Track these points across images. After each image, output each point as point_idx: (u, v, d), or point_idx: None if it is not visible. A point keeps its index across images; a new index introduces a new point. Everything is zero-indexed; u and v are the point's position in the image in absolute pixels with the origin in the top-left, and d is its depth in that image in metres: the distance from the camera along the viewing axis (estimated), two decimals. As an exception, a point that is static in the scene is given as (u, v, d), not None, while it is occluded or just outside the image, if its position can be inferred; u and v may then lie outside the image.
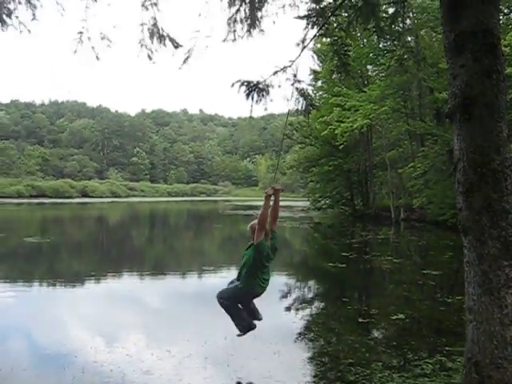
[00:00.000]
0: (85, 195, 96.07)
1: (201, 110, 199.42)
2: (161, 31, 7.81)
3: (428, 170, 34.11)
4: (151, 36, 7.80)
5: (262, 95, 7.73)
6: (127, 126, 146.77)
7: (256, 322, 7.06)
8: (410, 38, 31.98)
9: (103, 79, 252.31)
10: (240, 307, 6.96)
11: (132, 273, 16.14)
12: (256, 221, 6.76)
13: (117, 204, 76.07)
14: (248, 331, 6.96)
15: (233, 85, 7.57)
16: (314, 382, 6.53)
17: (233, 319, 6.88)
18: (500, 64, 4.64)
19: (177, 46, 7.91)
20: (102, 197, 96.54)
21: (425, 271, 15.40)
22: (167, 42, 7.88)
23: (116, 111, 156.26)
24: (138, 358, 7.31)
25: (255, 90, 7.71)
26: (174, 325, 9.51)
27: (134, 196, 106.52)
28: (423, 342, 8.25)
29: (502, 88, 4.55)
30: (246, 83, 7.64)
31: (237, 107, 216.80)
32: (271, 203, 7.02)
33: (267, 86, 7.75)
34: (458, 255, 16.40)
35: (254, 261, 6.67)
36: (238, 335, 6.95)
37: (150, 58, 7.91)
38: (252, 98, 7.69)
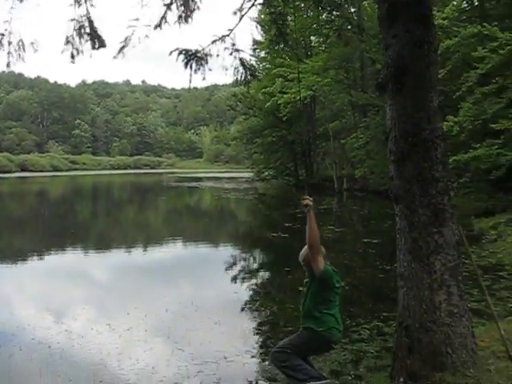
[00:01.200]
0: (24, 169, 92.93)
1: (143, 81, 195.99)
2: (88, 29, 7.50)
3: (370, 140, 34.63)
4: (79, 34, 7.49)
5: (201, 64, 7.64)
6: (67, 98, 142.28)
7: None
8: (352, 9, 32.14)
9: (41, 49, 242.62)
10: (298, 357, 5.03)
11: (75, 248, 15.85)
12: (306, 248, 5.16)
13: (58, 178, 74.33)
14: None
15: (171, 53, 7.45)
16: (253, 349, 6.60)
17: (295, 376, 4.89)
18: (431, 35, 4.69)
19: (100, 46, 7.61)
20: (42, 171, 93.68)
21: (366, 240, 15.73)
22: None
23: (55, 82, 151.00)
24: (78, 334, 7.22)
25: (194, 58, 7.61)
26: (115, 299, 9.43)
27: (76, 169, 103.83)
28: (362, 309, 8.46)
29: (432, 59, 4.62)
30: (184, 52, 7.53)
31: (180, 78, 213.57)
32: None
33: (206, 55, 7.66)
34: (398, 223, 16.77)
35: (324, 294, 5.01)
36: None
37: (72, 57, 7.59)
38: (191, 67, 7.59)
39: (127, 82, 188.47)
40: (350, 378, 5.56)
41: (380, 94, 33.57)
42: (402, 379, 4.24)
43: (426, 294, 4.28)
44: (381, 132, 33.07)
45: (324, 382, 4.92)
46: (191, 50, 7.56)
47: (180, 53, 7.46)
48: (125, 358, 6.27)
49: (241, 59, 8.15)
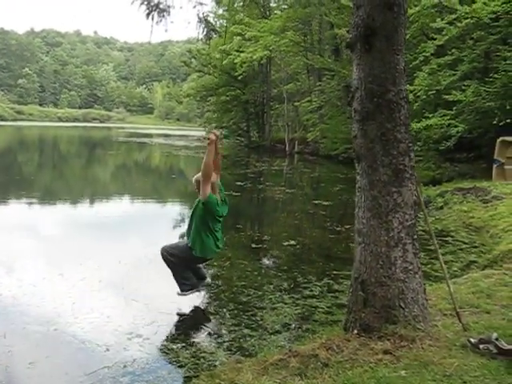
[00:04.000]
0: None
1: (95, 32, 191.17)
2: None
3: (324, 104, 34.88)
4: None
5: (163, 16, 7.51)
6: (14, 45, 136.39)
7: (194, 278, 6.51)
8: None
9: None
10: (185, 265, 6.37)
11: (20, 200, 15.44)
12: (200, 174, 6.01)
13: (2, 128, 71.77)
14: (191, 292, 6.39)
15: (133, 2, 7.30)
16: (208, 302, 6.70)
17: (175, 277, 6.33)
18: (401, -3, 4.73)
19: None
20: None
21: (316, 202, 15.96)
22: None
23: (1, 28, 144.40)
24: (29, 283, 7.11)
25: (156, 9, 7.47)
26: (66, 251, 9.26)
27: (22, 120, 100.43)
28: (313, 267, 8.64)
29: (401, 21, 4.66)
30: (146, 2, 7.39)
31: (133, 31, 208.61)
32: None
33: (168, 6, 7.53)
34: (348, 187, 17.20)
35: (205, 220, 6.08)
36: (180, 294, 6.31)
37: None
38: (152, 18, 7.46)
39: (78, 32, 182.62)
40: (301, 331, 5.73)
41: (336, 59, 33.73)
42: (355, 331, 4.41)
43: (383, 250, 4.43)
44: (335, 97, 33.34)
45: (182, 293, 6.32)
46: (153, 1, 7.43)
47: (142, 3, 7.33)
48: (79, 307, 6.24)
49: (204, 14, 8.06)
